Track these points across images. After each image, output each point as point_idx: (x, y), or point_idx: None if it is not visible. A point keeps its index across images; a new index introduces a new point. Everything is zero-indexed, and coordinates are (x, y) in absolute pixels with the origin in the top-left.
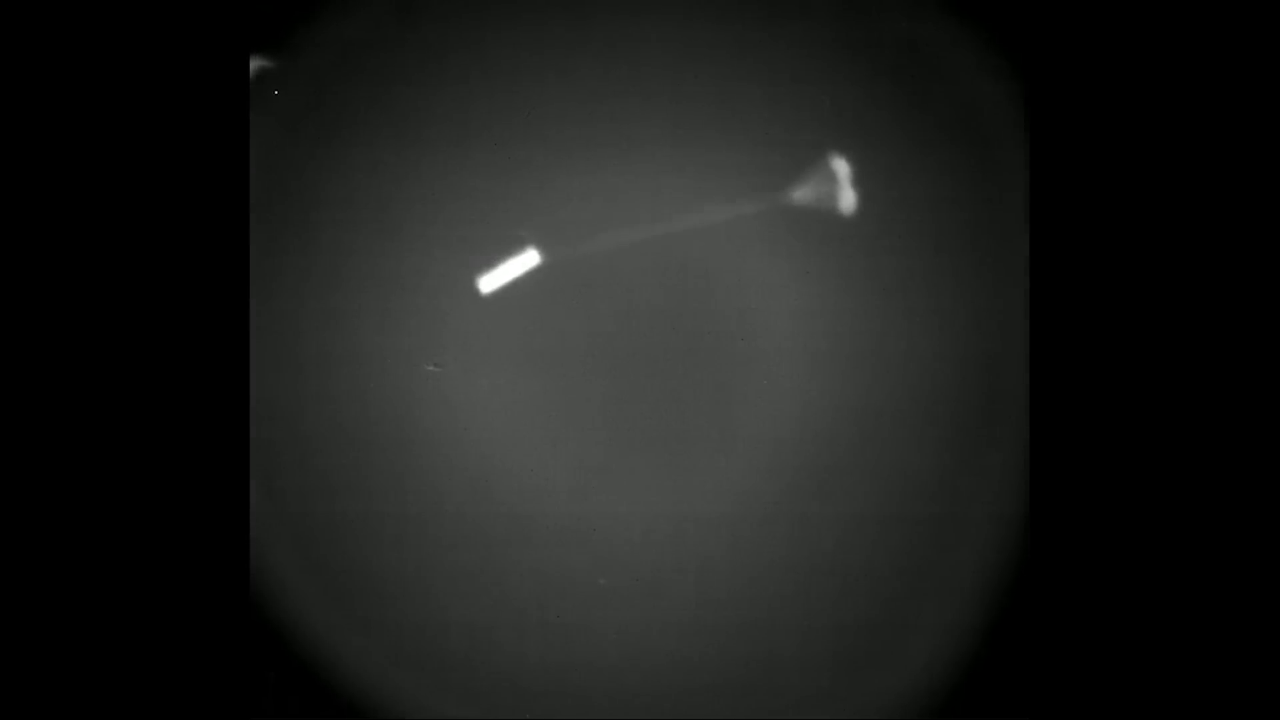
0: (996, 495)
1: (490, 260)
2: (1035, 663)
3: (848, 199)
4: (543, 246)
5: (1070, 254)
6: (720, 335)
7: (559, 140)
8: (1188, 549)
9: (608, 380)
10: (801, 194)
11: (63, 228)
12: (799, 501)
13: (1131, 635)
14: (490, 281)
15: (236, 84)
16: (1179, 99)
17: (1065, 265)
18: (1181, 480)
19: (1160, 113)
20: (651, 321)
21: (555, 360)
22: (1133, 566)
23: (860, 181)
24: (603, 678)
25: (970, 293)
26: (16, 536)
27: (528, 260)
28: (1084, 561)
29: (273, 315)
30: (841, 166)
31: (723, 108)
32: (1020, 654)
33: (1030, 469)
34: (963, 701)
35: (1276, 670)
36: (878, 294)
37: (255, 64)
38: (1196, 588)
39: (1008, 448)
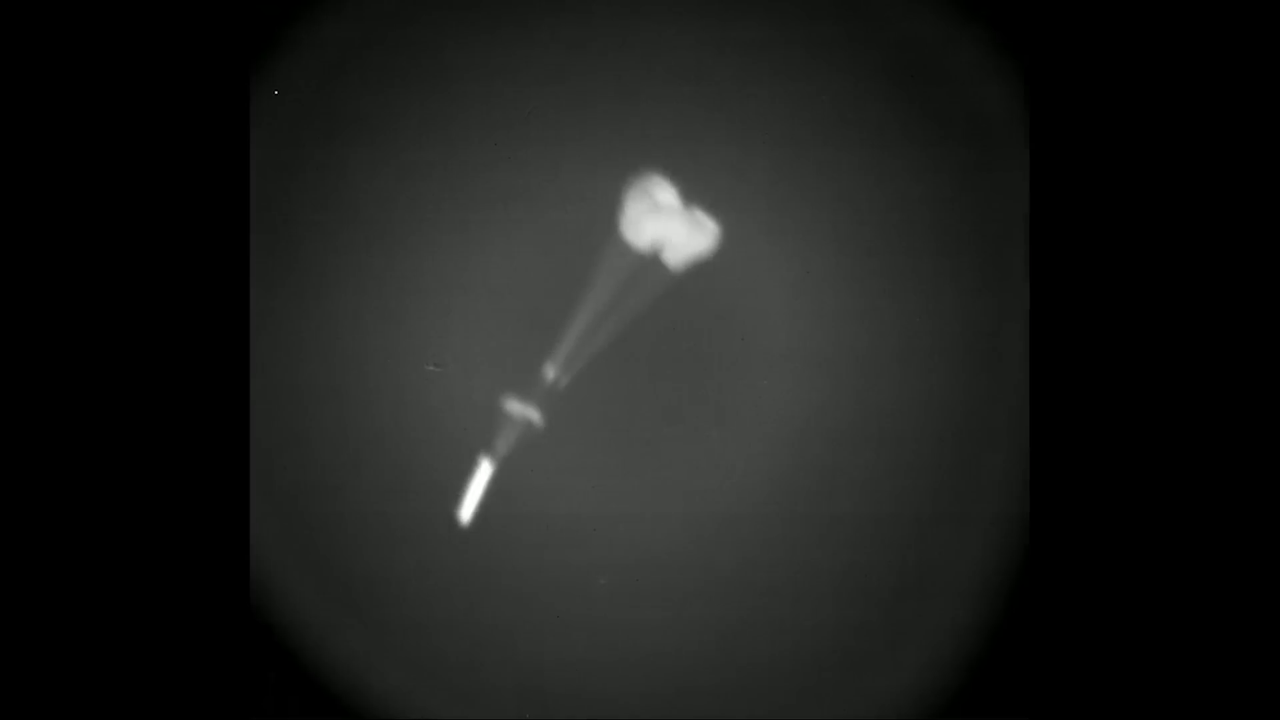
0: (996, 495)
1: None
2: (1035, 663)
3: None
4: (543, 245)
5: (1070, 254)
6: (720, 335)
7: (559, 140)
8: (1189, 549)
9: (608, 380)
10: None
11: (62, 228)
12: (799, 501)
13: (1132, 635)
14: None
15: (236, 84)
16: (1181, 99)
17: (1065, 265)
18: (1182, 480)
19: (1162, 113)
20: (651, 321)
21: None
22: (1133, 566)
23: (861, 181)
24: (602, 677)
25: (970, 293)
26: (14, 535)
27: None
28: (1084, 561)
29: (272, 315)
30: None
31: (722, 107)
32: (1020, 654)
33: (1030, 469)
34: (962, 701)
35: (1277, 670)
36: (878, 294)
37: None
38: (1198, 587)
39: (1008, 448)
